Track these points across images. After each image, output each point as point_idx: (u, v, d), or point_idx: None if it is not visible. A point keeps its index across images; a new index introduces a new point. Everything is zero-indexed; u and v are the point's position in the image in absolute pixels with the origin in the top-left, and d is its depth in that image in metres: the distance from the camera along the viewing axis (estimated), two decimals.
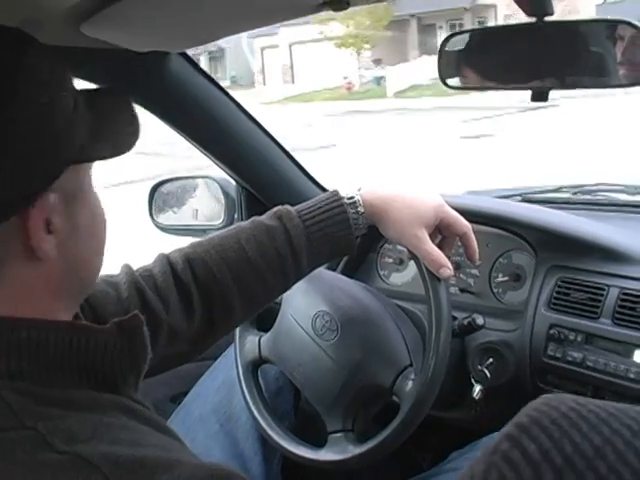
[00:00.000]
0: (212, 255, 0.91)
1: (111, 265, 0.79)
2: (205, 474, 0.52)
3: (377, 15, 23.32)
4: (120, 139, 0.63)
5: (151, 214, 1.57)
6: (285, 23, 1.10)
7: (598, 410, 0.35)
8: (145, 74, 1.17)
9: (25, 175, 0.54)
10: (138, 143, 0.64)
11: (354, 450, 1.05)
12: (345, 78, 23.67)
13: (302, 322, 1.14)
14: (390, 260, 1.45)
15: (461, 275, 1.34)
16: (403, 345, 1.08)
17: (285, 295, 1.11)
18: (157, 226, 1.59)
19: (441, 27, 26.64)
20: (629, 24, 0.90)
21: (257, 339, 1.19)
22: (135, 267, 0.89)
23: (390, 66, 22.80)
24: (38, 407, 0.53)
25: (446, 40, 1.02)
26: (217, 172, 1.51)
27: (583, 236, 1.22)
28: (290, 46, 28.24)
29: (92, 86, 0.71)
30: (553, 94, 0.93)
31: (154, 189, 1.57)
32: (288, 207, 0.96)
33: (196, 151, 1.36)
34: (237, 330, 1.20)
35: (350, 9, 0.91)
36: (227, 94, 1.33)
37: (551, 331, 1.14)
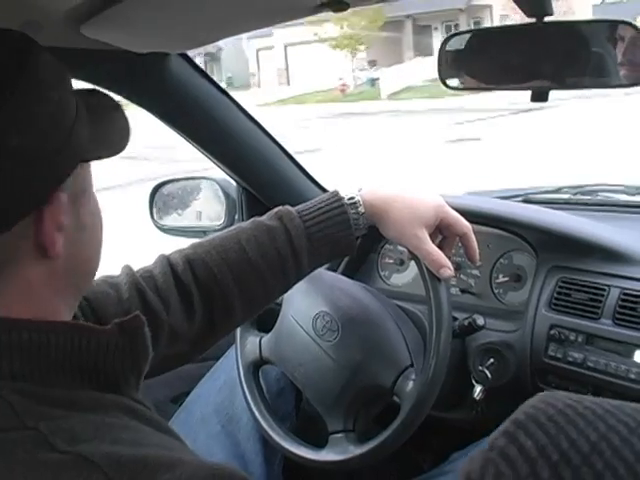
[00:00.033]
0: (213, 256, 0.91)
1: (110, 266, 0.80)
2: (207, 473, 0.52)
3: (371, 16, 23.04)
4: (115, 139, 0.63)
5: (152, 215, 1.58)
6: (280, 24, 1.10)
7: (594, 407, 0.35)
8: (145, 75, 1.17)
9: (41, 174, 0.55)
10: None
11: (355, 451, 1.05)
12: (340, 80, 23.66)
13: (303, 323, 1.14)
14: (391, 261, 1.45)
15: (462, 276, 1.34)
16: (404, 345, 1.08)
17: (286, 296, 1.11)
18: (157, 227, 1.59)
19: (436, 28, 26.58)
20: (629, 25, 0.90)
21: (258, 340, 1.19)
22: (135, 268, 0.90)
23: (385, 67, 22.75)
24: (40, 407, 0.53)
25: (446, 40, 1.02)
26: (217, 173, 1.51)
27: (584, 236, 1.22)
28: (285, 47, 28.20)
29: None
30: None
31: (155, 190, 1.57)
32: (289, 207, 0.96)
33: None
34: (238, 331, 1.20)
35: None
36: (227, 95, 1.33)
37: (552, 331, 1.14)
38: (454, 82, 1.03)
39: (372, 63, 26.11)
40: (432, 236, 0.97)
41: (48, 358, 0.56)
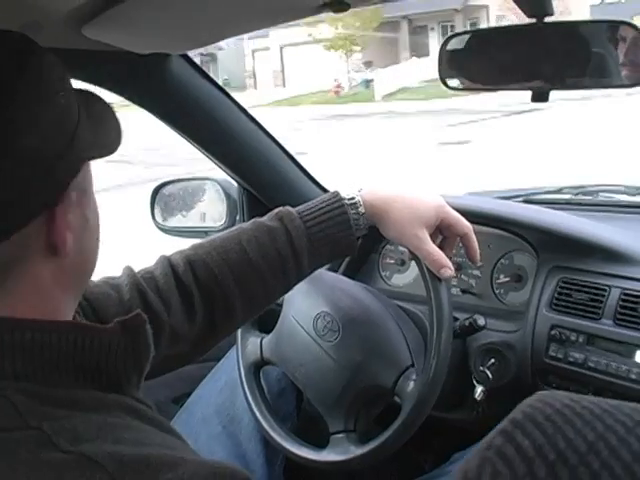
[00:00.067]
0: (213, 256, 0.91)
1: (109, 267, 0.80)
2: (208, 472, 0.52)
3: (366, 16, 22.72)
4: (109, 139, 0.64)
5: (153, 216, 1.58)
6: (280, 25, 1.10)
7: (592, 407, 0.35)
8: (146, 76, 1.17)
9: (54, 173, 0.56)
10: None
11: (356, 451, 1.05)
12: (335, 81, 23.56)
13: (303, 323, 1.14)
14: (391, 261, 1.45)
15: (462, 276, 1.34)
16: (404, 346, 1.08)
17: (286, 296, 1.11)
18: (159, 228, 1.59)
19: (433, 28, 26.49)
20: (630, 25, 0.90)
21: (259, 341, 1.19)
22: (136, 269, 0.90)
23: (381, 68, 22.58)
24: (43, 407, 0.53)
25: (447, 41, 1.02)
26: (218, 174, 1.51)
27: (584, 237, 1.22)
28: (281, 49, 28.09)
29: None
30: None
31: (156, 191, 1.57)
32: (289, 208, 0.97)
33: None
34: (239, 332, 1.20)
35: None
36: (228, 95, 1.34)
37: (552, 332, 1.14)
38: (454, 82, 1.03)
39: (368, 64, 25.92)
40: (433, 236, 0.98)
41: (51, 358, 0.57)
